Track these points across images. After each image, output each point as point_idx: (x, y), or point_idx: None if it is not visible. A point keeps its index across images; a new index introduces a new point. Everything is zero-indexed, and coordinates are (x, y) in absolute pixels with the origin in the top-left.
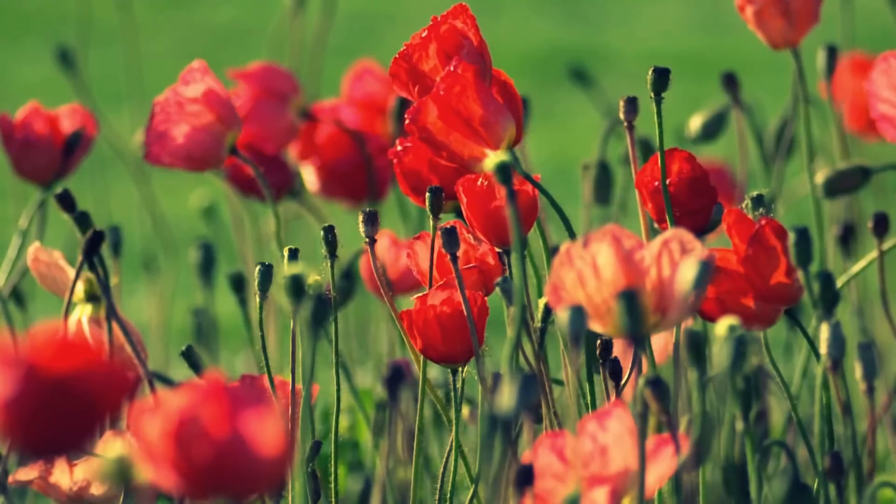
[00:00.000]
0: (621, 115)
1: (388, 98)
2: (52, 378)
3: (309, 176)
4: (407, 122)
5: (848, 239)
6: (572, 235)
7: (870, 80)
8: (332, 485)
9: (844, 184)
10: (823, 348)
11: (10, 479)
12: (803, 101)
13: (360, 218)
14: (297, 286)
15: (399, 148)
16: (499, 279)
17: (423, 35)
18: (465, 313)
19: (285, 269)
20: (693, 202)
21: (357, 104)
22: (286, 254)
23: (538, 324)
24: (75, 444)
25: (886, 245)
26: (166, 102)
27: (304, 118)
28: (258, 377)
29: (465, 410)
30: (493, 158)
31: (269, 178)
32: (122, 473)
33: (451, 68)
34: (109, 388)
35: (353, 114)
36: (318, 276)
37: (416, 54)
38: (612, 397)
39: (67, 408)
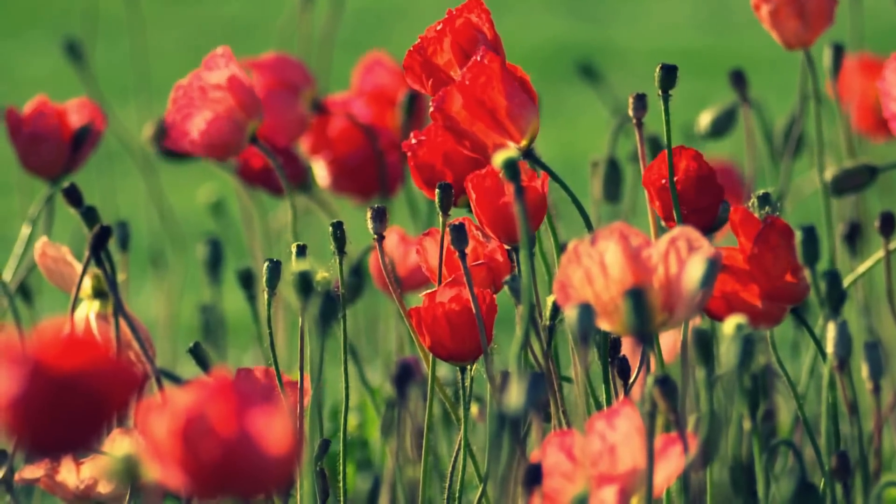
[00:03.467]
0: (630, 112)
1: (399, 90)
2: (58, 375)
3: (320, 170)
4: (431, 109)
5: (854, 238)
6: (590, 229)
7: (882, 78)
8: (341, 484)
9: (851, 182)
10: (830, 347)
11: (17, 477)
12: (815, 99)
13: (369, 214)
14: (305, 283)
15: (413, 141)
16: (507, 277)
17: (438, 28)
18: (474, 311)
19: (294, 266)
20: (700, 200)
21: (367, 95)
22: (294, 250)
23: (547, 322)
24: (82, 442)
25: (893, 244)
26: (189, 87)
27: (315, 111)
28: (253, 370)
29: (474, 409)
30: (500, 155)
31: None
32: (129, 472)
33: (478, 58)
34: (116, 386)
35: (363, 105)
36: (326, 272)
37: (431, 47)
38: (621, 396)
39: (74, 405)
